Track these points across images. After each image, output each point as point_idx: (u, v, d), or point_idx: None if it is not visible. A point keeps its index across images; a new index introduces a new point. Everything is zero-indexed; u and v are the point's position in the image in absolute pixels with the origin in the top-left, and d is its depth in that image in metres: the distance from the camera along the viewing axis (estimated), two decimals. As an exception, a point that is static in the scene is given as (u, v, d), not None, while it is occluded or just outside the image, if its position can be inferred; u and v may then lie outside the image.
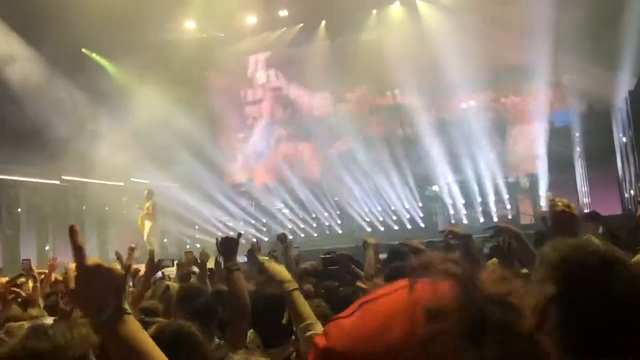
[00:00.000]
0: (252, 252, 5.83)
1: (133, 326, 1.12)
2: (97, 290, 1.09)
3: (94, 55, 16.67)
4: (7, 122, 13.04)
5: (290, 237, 11.89)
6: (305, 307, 2.35)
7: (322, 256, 4.79)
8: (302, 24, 17.68)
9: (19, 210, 13.63)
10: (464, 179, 14.87)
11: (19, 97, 13.35)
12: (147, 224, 13.17)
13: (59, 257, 6.63)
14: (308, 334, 2.23)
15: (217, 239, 3.43)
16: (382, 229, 15.10)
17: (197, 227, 16.23)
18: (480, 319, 0.59)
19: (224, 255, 3.33)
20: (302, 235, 16.21)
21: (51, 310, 4.06)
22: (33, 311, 3.86)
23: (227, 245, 3.30)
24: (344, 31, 17.34)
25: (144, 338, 1.13)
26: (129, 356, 1.10)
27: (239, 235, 3.59)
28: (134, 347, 1.10)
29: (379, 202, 15.53)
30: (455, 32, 15.60)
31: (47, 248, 13.39)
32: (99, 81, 15.30)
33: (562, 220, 2.51)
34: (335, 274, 4.60)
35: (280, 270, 2.50)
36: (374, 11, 16.99)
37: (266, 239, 15.01)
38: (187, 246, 15.26)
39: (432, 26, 16.14)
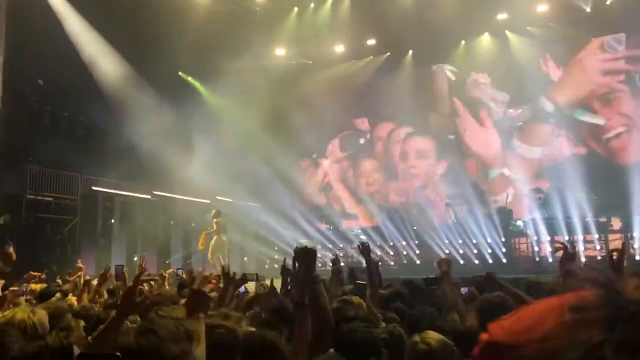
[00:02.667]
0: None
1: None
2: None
3: (189, 79, 17.58)
4: (106, 139, 13.99)
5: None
6: None
7: (424, 277, 4.79)
8: (388, 53, 17.89)
9: (113, 221, 14.44)
10: (551, 215, 14.28)
11: (118, 116, 14.29)
12: (214, 240, 13.51)
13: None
14: None
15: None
16: (462, 262, 14.72)
17: (276, 247, 16.52)
18: (617, 312, 0.73)
19: None
20: (380, 262, 16.07)
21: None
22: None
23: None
24: (431, 61, 17.38)
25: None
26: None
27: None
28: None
29: (460, 234, 15.19)
30: (547, 63, 15.26)
31: (135, 259, 14.06)
32: (192, 103, 16.13)
33: None
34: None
35: None
36: (463, 42, 16.92)
37: (342, 263, 15.01)
38: (266, 265, 15.57)
39: (522, 57, 15.86)
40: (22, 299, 5.51)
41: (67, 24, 13.90)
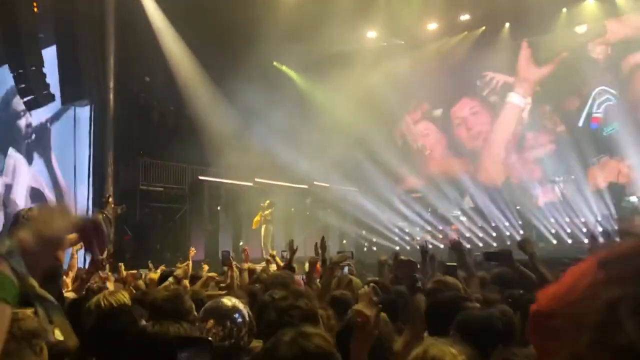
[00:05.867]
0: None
1: None
2: None
3: (283, 67, 17.94)
4: (209, 131, 14.64)
5: (468, 246, 11.57)
6: None
7: (484, 251, 4.58)
8: (484, 27, 17.24)
9: (219, 208, 15.15)
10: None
11: (218, 109, 14.91)
12: (264, 228, 13.57)
13: (250, 251, 7.41)
14: None
15: None
16: (569, 241, 14.06)
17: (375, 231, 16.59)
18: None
19: None
20: (481, 244, 15.67)
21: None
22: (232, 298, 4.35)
23: None
24: (530, 32, 16.54)
25: None
26: None
27: None
28: None
29: (567, 212, 14.46)
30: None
31: (240, 243, 14.68)
32: (287, 92, 16.48)
33: None
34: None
35: None
36: (564, 9, 15.92)
37: (442, 246, 14.82)
38: (364, 249, 15.72)
39: (634, 20, 14.70)
40: (141, 282, 6.04)
41: (163, 24, 14.58)
